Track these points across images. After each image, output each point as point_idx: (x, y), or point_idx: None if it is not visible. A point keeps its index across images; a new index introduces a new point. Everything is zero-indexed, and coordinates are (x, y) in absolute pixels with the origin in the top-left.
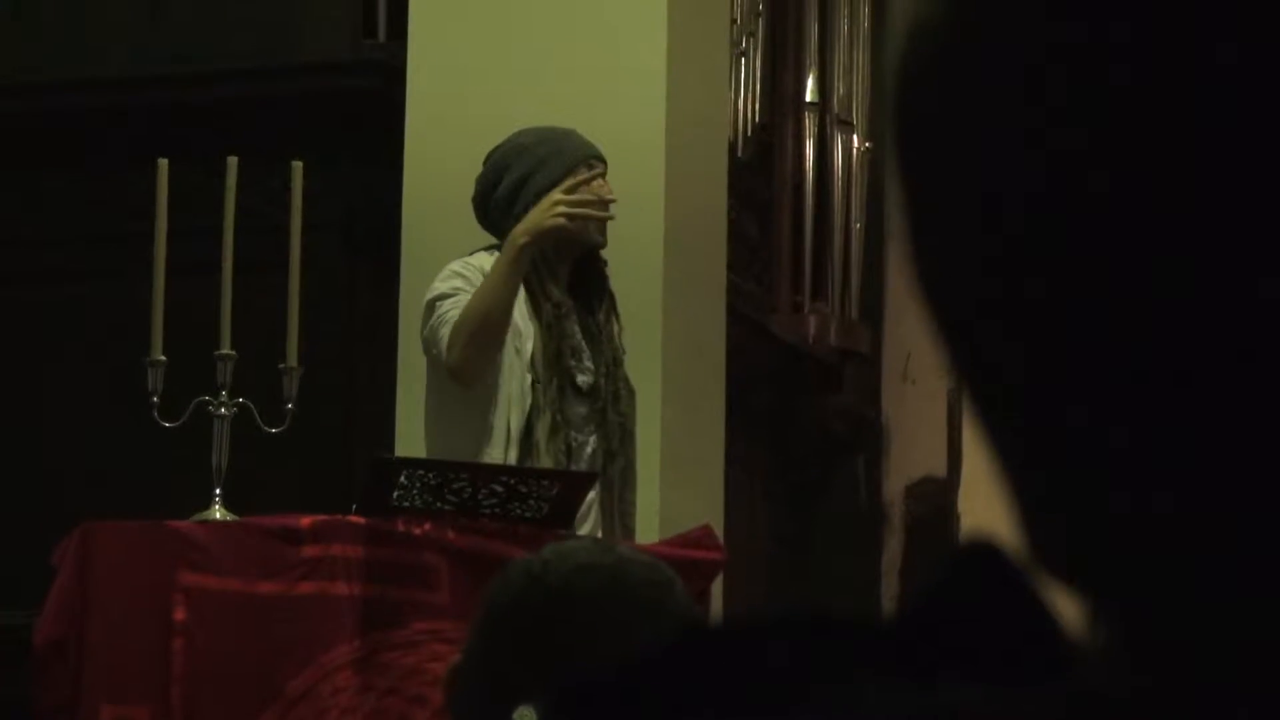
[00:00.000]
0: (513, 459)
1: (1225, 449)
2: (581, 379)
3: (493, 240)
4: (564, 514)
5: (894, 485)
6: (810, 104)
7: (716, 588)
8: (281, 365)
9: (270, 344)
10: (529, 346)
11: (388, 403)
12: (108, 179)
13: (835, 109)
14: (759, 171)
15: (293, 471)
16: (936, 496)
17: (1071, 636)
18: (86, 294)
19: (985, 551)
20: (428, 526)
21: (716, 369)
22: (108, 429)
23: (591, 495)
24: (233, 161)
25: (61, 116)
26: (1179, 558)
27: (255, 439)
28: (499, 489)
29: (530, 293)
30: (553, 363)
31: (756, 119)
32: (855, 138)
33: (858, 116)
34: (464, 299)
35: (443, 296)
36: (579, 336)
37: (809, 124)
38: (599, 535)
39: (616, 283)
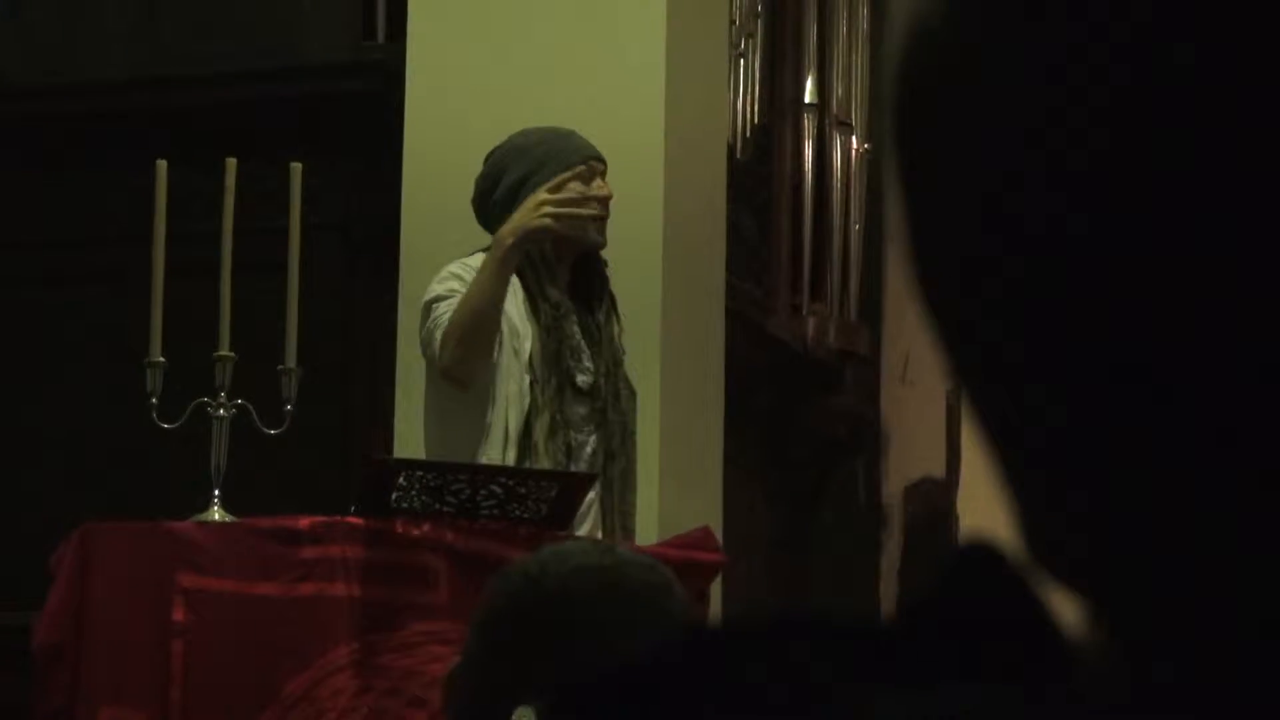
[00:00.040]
0: (511, 459)
1: (1226, 449)
2: (582, 379)
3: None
4: (563, 515)
5: (893, 486)
6: (809, 105)
7: (715, 589)
8: (280, 367)
9: (269, 345)
10: (527, 347)
11: (387, 404)
12: (107, 181)
13: (834, 110)
14: (758, 172)
15: (292, 473)
16: (935, 497)
17: (1071, 637)
18: (86, 295)
19: (984, 552)
20: (426, 528)
21: (715, 370)
22: (107, 430)
23: (591, 495)
24: (231, 163)
25: (61, 118)
26: (1179, 558)
27: (254, 440)
28: (498, 490)
29: (529, 293)
30: (552, 363)
31: (755, 120)
32: (854, 139)
33: (856, 118)
34: (459, 301)
35: (439, 298)
36: (578, 337)
37: (808, 125)
38: (599, 536)
39: (616, 284)
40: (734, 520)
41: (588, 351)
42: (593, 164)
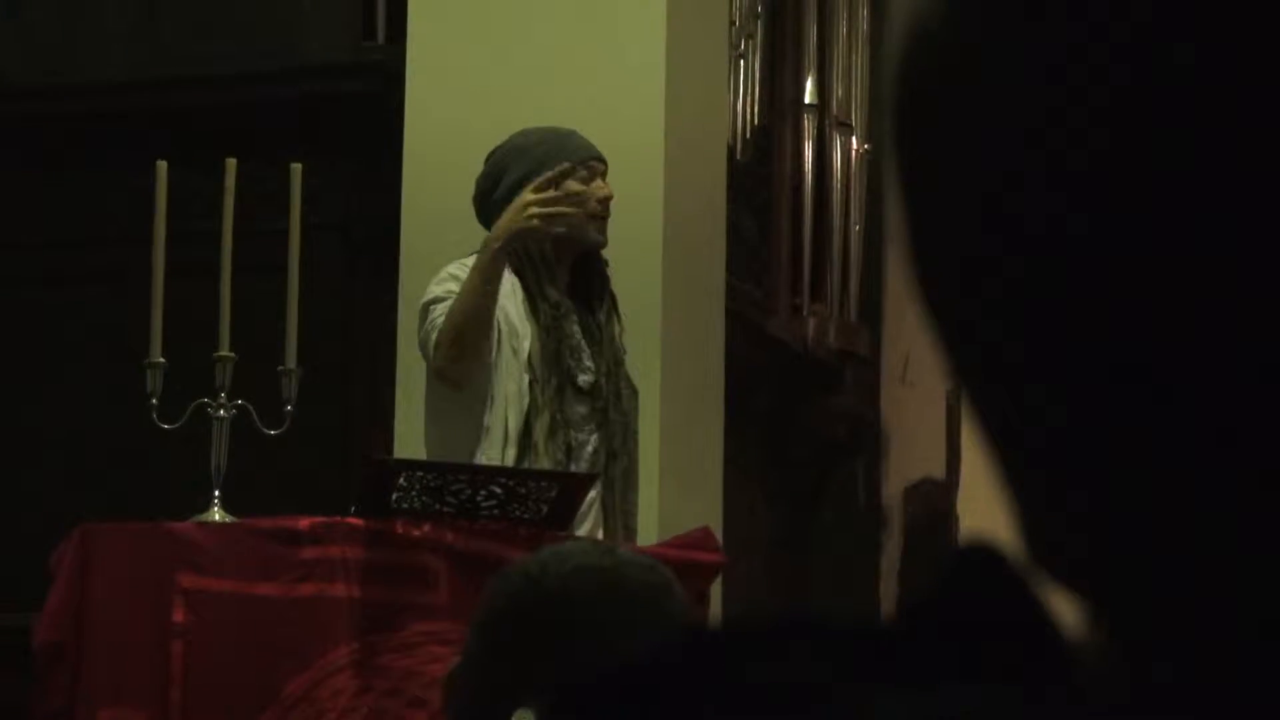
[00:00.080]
0: (510, 459)
1: (1226, 449)
2: (583, 379)
3: None
4: (563, 515)
5: (893, 487)
6: (809, 106)
7: (715, 589)
8: (280, 367)
9: (269, 346)
10: (526, 346)
11: (387, 404)
12: (107, 181)
13: (834, 111)
14: (758, 173)
15: (292, 473)
16: (935, 498)
17: (1071, 638)
18: (86, 295)
19: (984, 553)
20: (426, 528)
21: (715, 371)
22: (107, 430)
23: (592, 495)
24: (231, 163)
25: (61, 118)
26: (1179, 558)
27: (254, 441)
28: (498, 490)
29: (528, 293)
30: (552, 362)
31: (755, 121)
32: (854, 139)
33: (856, 118)
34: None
35: (436, 300)
36: (578, 336)
37: (808, 126)
38: (600, 535)
39: (616, 284)
40: (734, 521)
41: (588, 351)
42: (592, 164)
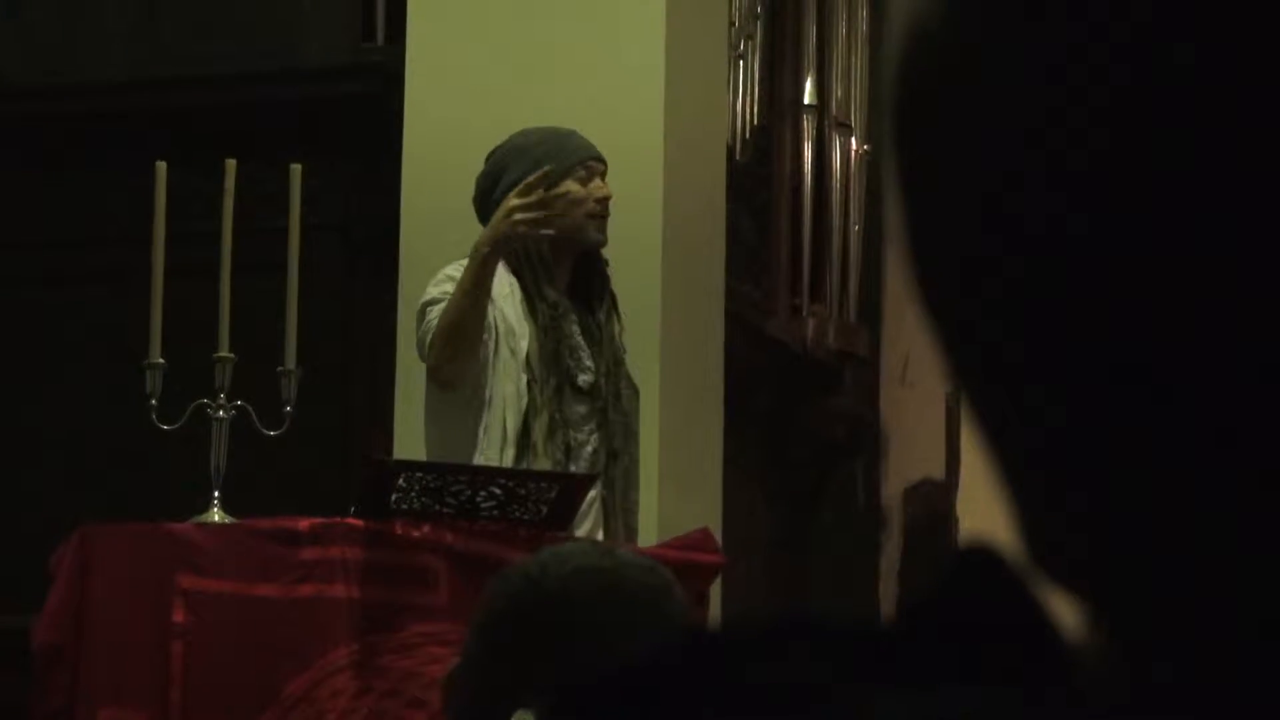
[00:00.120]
0: (509, 459)
1: (1226, 449)
2: (583, 378)
3: None
4: (562, 516)
5: (892, 488)
6: (808, 106)
7: (715, 590)
8: (280, 368)
9: (269, 346)
10: (524, 346)
11: (386, 405)
12: (107, 181)
13: (833, 111)
14: (757, 174)
15: (291, 474)
16: (935, 499)
17: (1071, 639)
18: (86, 295)
19: (984, 554)
20: (426, 529)
21: (715, 371)
22: (107, 431)
23: (592, 495)
24: (231, 164)
25: (61, 118)
26: (1179, 558)
27: (254, 441)
28: (498, 491)
29: (526, 293)
30: (550, 362)
31: (755, 122)
32: (853, 140)
33: (856, 119)
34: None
35: (433, 301)
36: (577, 336)
37: (807, 126)
38: (600, 535)
39: (615, 285)
40: (733, 521)
41: (588, 351)
42: (591, 164)
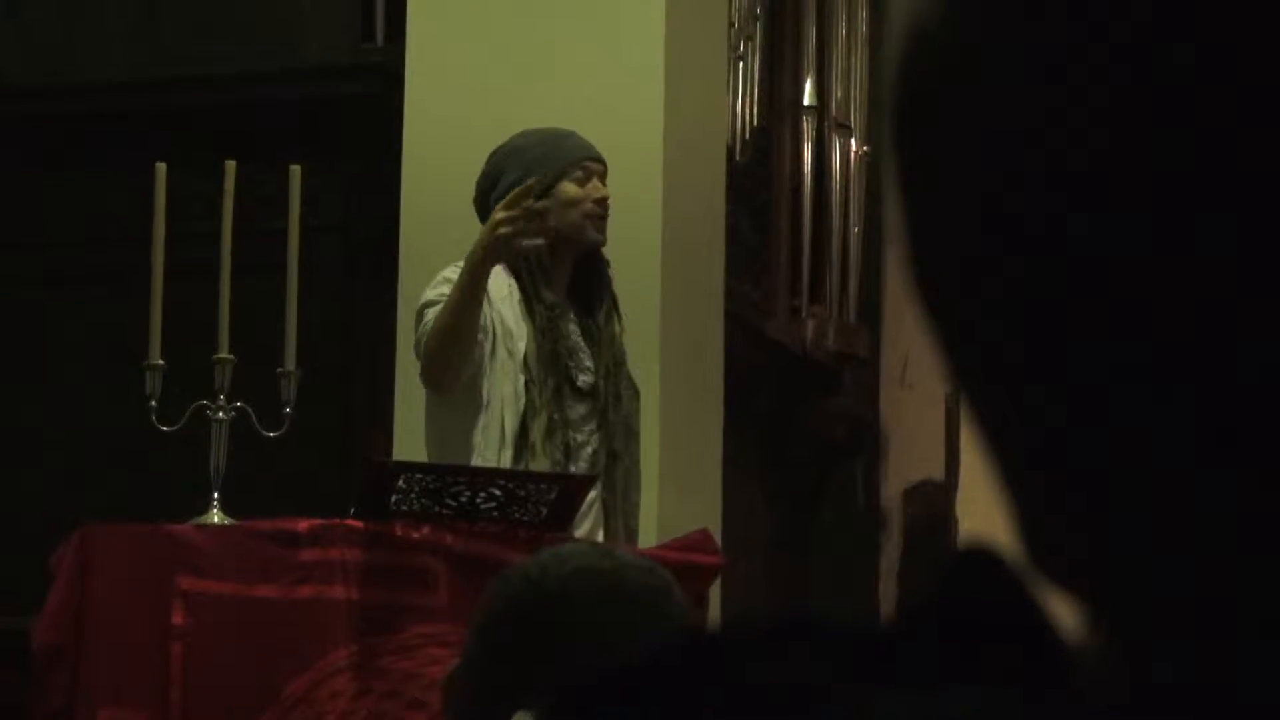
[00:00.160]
0: (507, 460)
1: (1226, 449)
2: (582, 379)
3: None
4: (562, 517)
5: (892, 489)
6: (808, 107)
7: (715, 591)
8: (280, 369)
9: (269, 347)
10: (521, 347)
11: (386, 406)
12: (107, 181)
13: (833, 112)
14: (757, 175)
15: (291, 475)
16: (935, 500)
17: (1070, 640)
18: (86, 296)
19: (983, 556)
20: (426, 530)
21: (715, 372)
22: (107, 431)
23: (593, 495)
24: (230, 165)
25: (61, 118)
26: (1179, 558)
27: (253, 443)
28: (497, 493)
29: (524, 294)
30: (548, 363)
31: (754, 122)
32: (853, 141)
33: (855, 120)
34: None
35: (430, 304)
36: (576, 337)
37: (807, 127)
38: (600, 536)
39: (615, 285)
40: (733, 522)
41: (588, 352)
42: (588, 164)
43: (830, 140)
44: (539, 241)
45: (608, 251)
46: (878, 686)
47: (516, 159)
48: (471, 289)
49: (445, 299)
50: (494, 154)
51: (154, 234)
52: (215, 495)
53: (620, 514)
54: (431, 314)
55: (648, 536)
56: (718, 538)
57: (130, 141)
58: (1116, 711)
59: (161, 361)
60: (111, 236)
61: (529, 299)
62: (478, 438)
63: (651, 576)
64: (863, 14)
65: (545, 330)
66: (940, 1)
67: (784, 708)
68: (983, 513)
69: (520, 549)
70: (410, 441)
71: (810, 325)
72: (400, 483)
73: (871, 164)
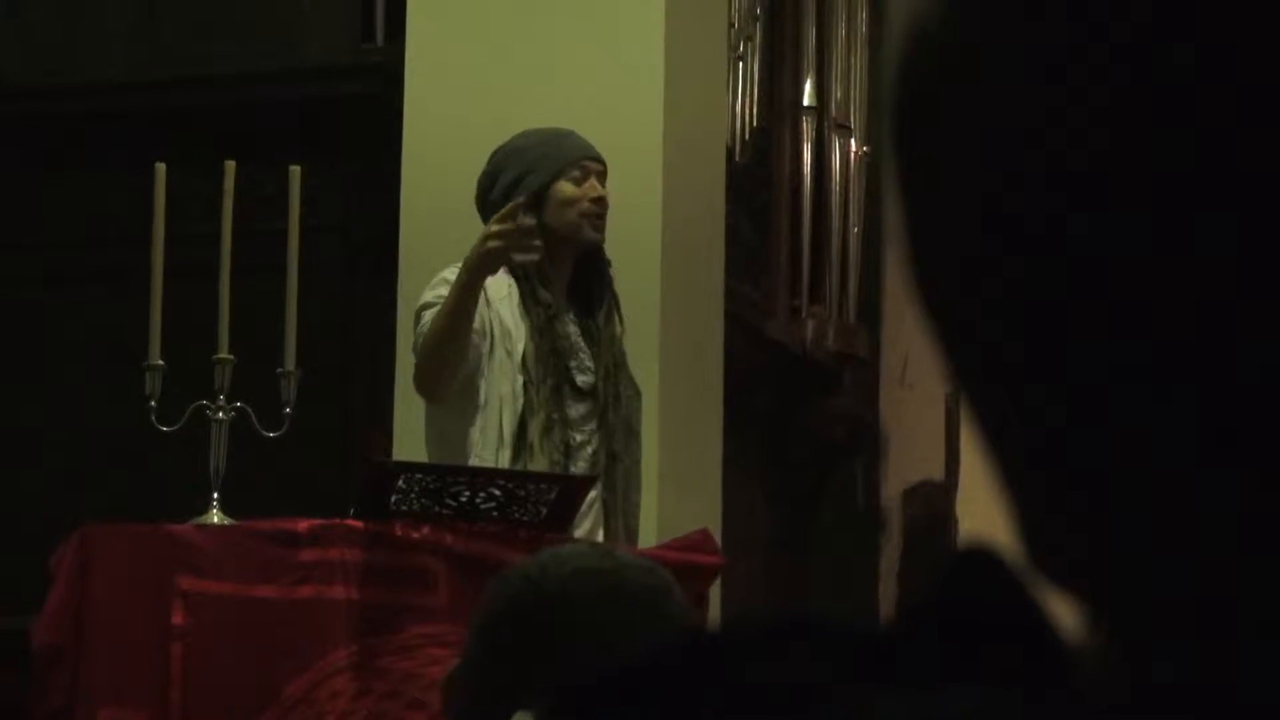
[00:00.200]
0: (505, 460)
1: (1226, 449)
2: (582, 379)
3: None
4: (562, 517)
5: (892, 489)
6: (808, 108)
7: (714, 592)
8: (279, 369)
9: (269, 348)
10: (520, 347)
11: (386, 406)
12: (107, 181)
13: (833, 113)
14: (757, 175)
15: (291, 475)
16: (934, 500)
17: (1070, 641)
18: (86, 296)
19: (983, 556)
20: (426, 530)
21: (714, 372)
22: (107, 431)
23: (593, 496)
24: (230, 165)
25: (61, 118)
26: (1179, 558)
27: (253, 443)
28: (497, 493)
29: (522, 294)
30: (546, 363)
31: (754, 123)
32: (853, 142)
33: (855, 120)
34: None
35: (428, 305)
36: (575, 337)
37: (807, 128)
38: (600, 536)
39: (615, 286)
40: (733, 522)
41: (588, 352)
42: (586, 164)
43: (830, 141)
44: (533, 257)
45: (607, 251)
46: (878, 686)
47: (516, 158)
48: (462, 302)
49: (443, 300)
50: (495, 154)
51: (154, 234)
52: (215, 495)
53: (620, 514)
54: (429, 315)
55: (648, 536)
56: (718, 538)
57: (130, 141)
58: (1116, 711)
59: (161, 362)
60: (111, 236)
61: (526, 299)
62: (476, 437)
63: (651, 576)
64: (863, 14)
65: (543, 330)
66: (940, 1)
67: (784, 708)
68: (983, 513)
69: (520, 549)
70: (410, 441)
71: (810, 325)
72: (400, 483)
73: (871, 164)
